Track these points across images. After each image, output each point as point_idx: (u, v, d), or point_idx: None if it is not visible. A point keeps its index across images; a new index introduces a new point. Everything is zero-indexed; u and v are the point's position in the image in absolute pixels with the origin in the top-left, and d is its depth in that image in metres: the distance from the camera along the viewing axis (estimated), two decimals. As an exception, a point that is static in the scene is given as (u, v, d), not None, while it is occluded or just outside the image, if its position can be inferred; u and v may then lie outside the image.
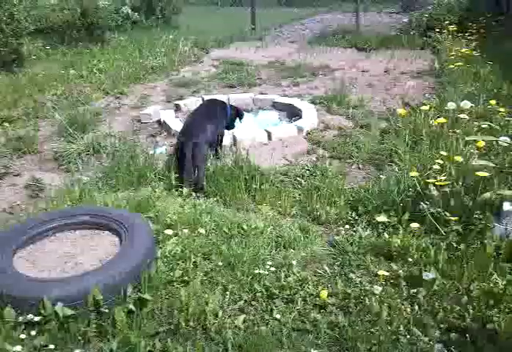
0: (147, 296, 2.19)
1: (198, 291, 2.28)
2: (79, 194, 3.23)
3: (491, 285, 2.11)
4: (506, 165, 3.02)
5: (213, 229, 2.89)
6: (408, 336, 1.94)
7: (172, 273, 2.40)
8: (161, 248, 2.61)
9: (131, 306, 2.13)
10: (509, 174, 2.94)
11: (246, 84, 6.45)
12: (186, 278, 2.38)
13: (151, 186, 3.43)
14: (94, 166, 3.92)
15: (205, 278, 2.41)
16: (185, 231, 2.76)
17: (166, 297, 2.25)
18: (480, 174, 2.67)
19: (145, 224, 2.68)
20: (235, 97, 5.57)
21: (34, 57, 8.00)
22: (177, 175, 3.46)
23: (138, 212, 2.94)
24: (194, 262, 2.51)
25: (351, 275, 2.40)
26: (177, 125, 4.54)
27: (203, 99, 5.51)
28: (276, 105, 5.41)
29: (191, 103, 5.39)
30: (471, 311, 2.02)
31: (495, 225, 2.51)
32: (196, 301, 2.19)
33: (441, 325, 1.98)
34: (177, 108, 5.40)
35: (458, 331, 1.93)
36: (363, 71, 7.05)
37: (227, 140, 4.19)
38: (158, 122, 4.96)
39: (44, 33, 8.94)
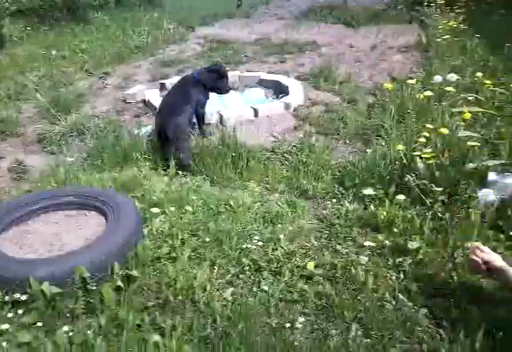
0: (134, 273, 2.19)
1: (186, 266, 2.28)
2: (64, 175, 3.19)
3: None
4: (491, 136, 3.02)
5: (200, 206, 2.88)
6: (393, 303, 1.96)
7: (159, 250, 2.39)
8: (147, 226, 2.60)
9: (119, 283, 2.12)
10: (494, 144, 2.95)
11: (233, 62, 6.37)
12: (174, 254, 2.37)
13: (137, 166, 3.40)
14: (79, 147, 3.87)
15: (192, 254, 2.41)
16: (172, 209, 2.75)
17: (154, 273, 2.25)
18: (468, 144, 2.68)
19: (131, 203, 2.66)
20: (221, 76, 5.51)
21: (16, 38, 7.81)
22: (163, 155, 3.44)
23: (124, 191, 2.92)
24: (182, 239, 2.51)
25: (338, 247, 2.42)
26: (162, 104, 4.48)
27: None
28: (262, 83, 5.35)
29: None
30: (455, 277, 2.05)
31: (480, 195, 2.53)
32: (184, 276, 2.20)
33: (427, 292, 2.01)
34: (162, 87, 5.31)
35: (442, 296, 1.96)
36: (350, 47, 6.98)
37: (213, 118, 4.15)
38: (143, 101, 4.90)
39: (25, 14, 8.72)
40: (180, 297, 2.10)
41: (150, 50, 7.27)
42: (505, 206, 2.41)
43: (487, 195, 2.01)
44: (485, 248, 1.88)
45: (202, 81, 3.76)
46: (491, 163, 2.63)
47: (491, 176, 2.57)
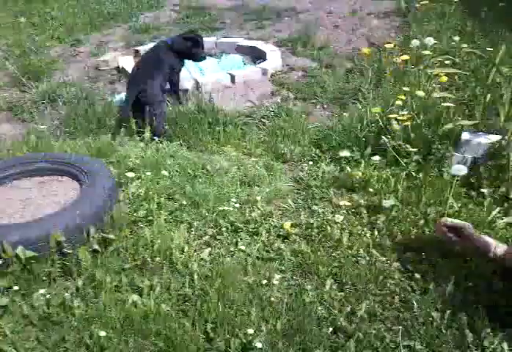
0: (110, 236, 2.18)
1: (163, 229, 2.28)
2: (36, 143, 3.12)
3: (447, 208, 2.18)
4: (466, 97, 3.05)
5: (176, 171, 2.86)
6: (367, 258, 2.01)
7: (135, 214, 2.38)
8: (123, 190, 2.58)
9: (95, 246, 2.11)
10: (468, 105, 2.97)
11: (209, 28, 6.22)
12: (150, 217, 2.36)
13: (111, 133, 3.34)
14: (51, 115, 3.78)
15: (169, 217, 2.40)
16: (148, 174, 2.72)
17: (131, 236, 2.25)
18: (443, 104, 2.69)
19: (106, 168, 2.62)
20: (197, 42, 5.40)
21: (-19, 6, 7.48)
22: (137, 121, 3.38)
23: (98, 158, 2.88)
24: (158, 202, 2.49)
25: (314, 207, 2.44)
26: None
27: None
28: (240, 49, 5.25)
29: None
30: (427, 232, 2.10)
31: (454, 154, 2.57)
32: (161, 238, 2.20)
33: (399, 247, 2.06)
34: (137, 53, 5.18)
35: (414, 250, 2.01)
36: (329, 12, 6.85)
37: (189, 84, 4.08)
38: (117, 68, 4.77)
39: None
40: (157, 258, 2.10)
41: (124, 16, 7.03)
42: (477, 165, 2.46)
43: (460, 170, 2.07)
44: (450, 219, 1.94)
45: (176, 48, 3.67)
46: (464, 123, 2.66)
47: (465, 136, 2.60)
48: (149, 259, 2.09)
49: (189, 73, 4.36)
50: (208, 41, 5.44)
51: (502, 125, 2.53)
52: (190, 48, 3.71)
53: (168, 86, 3.72)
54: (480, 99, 2.79)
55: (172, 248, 2.14)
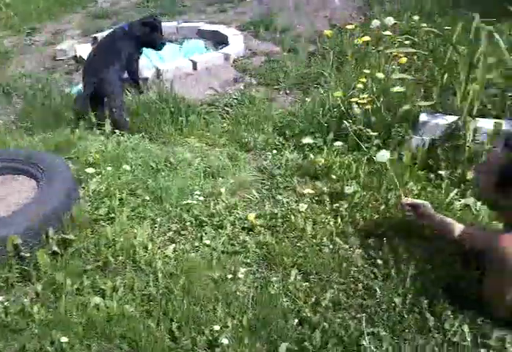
0: (70, 236, 2.12)
1: (125, 226, 2.24)
2: (-11, 140, 3.01)
3: (407, 192, 2.21)
4: (424, 78, 3.06)
5: (139, 165, 2.80)
6: (330, 247, 2.02)
7: (96, 212, 2.32)
8: (83, 188, 2.51)
9: (55, 248, 2.06)
10: (426, 86, 2.99)
11: (170, 12, 6.05)
12: (112, 215, 2.31)
13: (70, 127, 3.23)
14: (6, 109, 3.63)
15: (132, 213, 2.36)
16: (109, 169, 2.65)
17: (92, 236, 2.19)
18: (395, 89, 2.71)
19: (64, 164, 2.53)
20: (157, 27, 5.25)
21: None
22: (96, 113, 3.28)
23: (57, 153, 2.79)
24: (120, 198, 2.44)
25: (279, 197, 2.43)
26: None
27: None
28: (201, 33, 5.14)
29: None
30: (388, 218, 2.12)
31: (412, 136, 2.59)
32: (123, 236, 2.16)
33: (362, 234, 2.08)
34: (95, 41, 4.99)
35: (376, 236, 2.03)
36: (291, -7, 6.76)
37: (149, 72, 3.97)
38: (75, 57, 4.60)
39: None
40: (120, 258, 2.06)
41: (81, 2, 6.78)
42: (436, 146, 2.49)
43: (383, 156, 2.14)
44: (410, 199, 2.02)
45: (133, 35, 3.55)
46: (422, 104, 2.67)
47: (423, 117, 2.61)
48: (111, 258, 2.04)
49: (149, 60, 4.25)
50: (169, 26, 5.31)
51: (459, 106, 2.56)
52: (149, 34, 3.59)
53: (126, 75, 3.61)
54: (438, 79, 2.80)
55: (135, 246, 2.10)
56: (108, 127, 3.16)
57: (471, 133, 2.38)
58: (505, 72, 2.70)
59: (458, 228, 1.86)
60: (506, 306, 1.58)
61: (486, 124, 2.47)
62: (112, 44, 3.50)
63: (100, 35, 5.02)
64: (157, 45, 3.72)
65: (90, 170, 2.59)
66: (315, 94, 3.47)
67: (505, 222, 1.76)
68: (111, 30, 3.81)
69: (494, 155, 1.67)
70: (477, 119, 2.47)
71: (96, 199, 2.42)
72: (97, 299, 1.83)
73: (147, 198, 2.46)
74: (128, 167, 2.71)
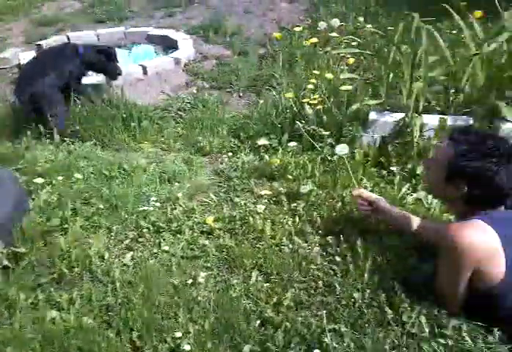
0: (21, 249, 2.04)
1: (80, 236, 2.17)
2: None
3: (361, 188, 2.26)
4: (372, 78, 3.16)
5: (91, 173, 2.73)
6: (290, 246, 2.03)
7: (48, 223, 2.24)
8: (33, 199, 2.42)
9: (5, 262, 1.98)
10: (374, 85, 3.08)
11: (117, 18, 5.94)
12: (65, 225, 2.24)
13: (16, 137, 3.11)
14: None
15: (86, 223, 2.29)
16: (60, 178, 2.57)
17: (45, 248, 2.11)
18: (344, 88, 2.78)
19: (11, 176, 2.43)
20: (105, 33, 5.15)
21: None
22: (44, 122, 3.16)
23: (2, 165, 2.67)
24: (73, 208, 2.37)
25: (236, 199, 2.43)
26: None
27: (68, 37, 5.02)
28: (150, 38, 5.08)
29: (56, 42, 4.84)
30: (344, 215, 2.17)
31: (363, 134, 2.66)
32: (78, 246, 2.10)
33: (320, 232, 2.11)
34: (40, 49, 4.84)
35: (334, 234, 2.07)
36: (239, -3, 6.80)
37: (98, 78, 3.88)
38: (18, 66, 4.42)
39: None
40: (75, 269, 2.00)
41: (24, 9, 6.55)
42: (386, 143, 2.57)
43: (342, 149, 2.19)
44: (365, 191, 2.06)
45: (86, 60, 3.47)
46: (370, 102, 2.75)
47: (372, 115, 2.69)
48: (66, 270, 1.98)
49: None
50: (117, 31, 5.23)
51: (405, 103, 2.65)
52: (103, 62, 3.54)
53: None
54: (384, 78, 2.89)
55: (90, 256, 2.05)
56: (56, 137, 3.06)
57: (418, 129, 2.47)
58: (447, 70, 2.81)
59: (415, 221, 1.91)
60: (459, 300, 1.58)
61: (432, 120, 2.57)
62: (55, 61, 3.37)
63: (44, 42, 4.87)
64: (113, 76, 3.64)
65: (39, 180, 2.49)
66: (267, 96, 3.50)
67: (455, 213, 1.82)
68: (64, 44, 3.70)
69: (440, 150, 1.72)
70: (423, 115, 2.57)
71: (47, 210, 2.33)
72: (54, 313, 1.76)
73: (102, 206, 2.40)
74: (79, 176, 2.64)
